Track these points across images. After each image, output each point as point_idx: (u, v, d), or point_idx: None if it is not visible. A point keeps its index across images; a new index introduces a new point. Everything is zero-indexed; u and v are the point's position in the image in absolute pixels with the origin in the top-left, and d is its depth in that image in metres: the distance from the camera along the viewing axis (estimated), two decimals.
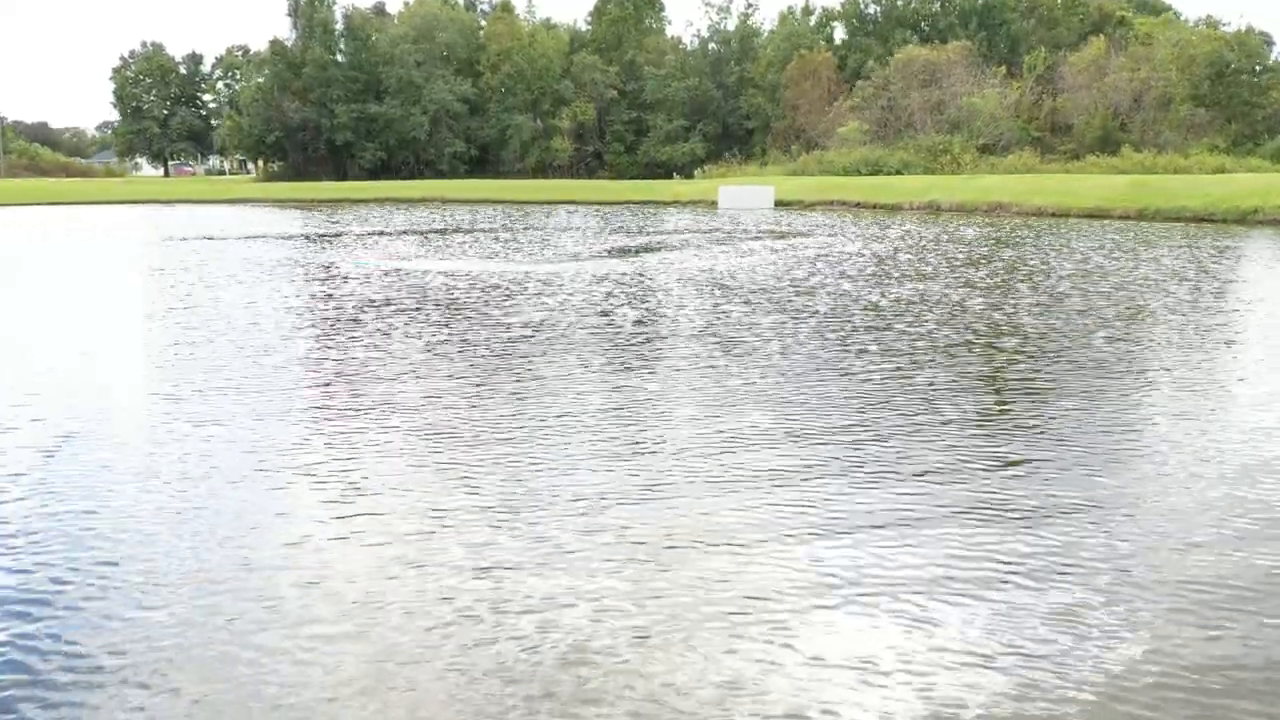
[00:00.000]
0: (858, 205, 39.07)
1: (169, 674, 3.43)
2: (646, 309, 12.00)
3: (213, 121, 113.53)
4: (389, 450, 6.06)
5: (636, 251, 20.71)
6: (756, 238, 24.49)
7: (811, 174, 49.69)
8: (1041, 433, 6.44)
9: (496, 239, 24.58)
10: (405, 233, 27.42)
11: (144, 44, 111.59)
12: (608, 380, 8.05)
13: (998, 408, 7.17)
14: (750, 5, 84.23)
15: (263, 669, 3.46)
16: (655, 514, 4.92)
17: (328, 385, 7.93)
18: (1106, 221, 29.63)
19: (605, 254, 20.16)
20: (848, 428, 6.52)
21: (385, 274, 15.95)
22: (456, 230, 28.38)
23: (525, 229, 28.60)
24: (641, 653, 3.57)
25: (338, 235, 26.54)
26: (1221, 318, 11.37)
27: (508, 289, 14.03)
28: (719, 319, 11.05)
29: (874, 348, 9.33)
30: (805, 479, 5.45)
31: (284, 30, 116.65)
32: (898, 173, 46.91)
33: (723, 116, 76.84)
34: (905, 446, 6.07)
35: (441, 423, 6.68)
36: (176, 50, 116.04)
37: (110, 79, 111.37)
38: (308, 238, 25.79)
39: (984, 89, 54.35)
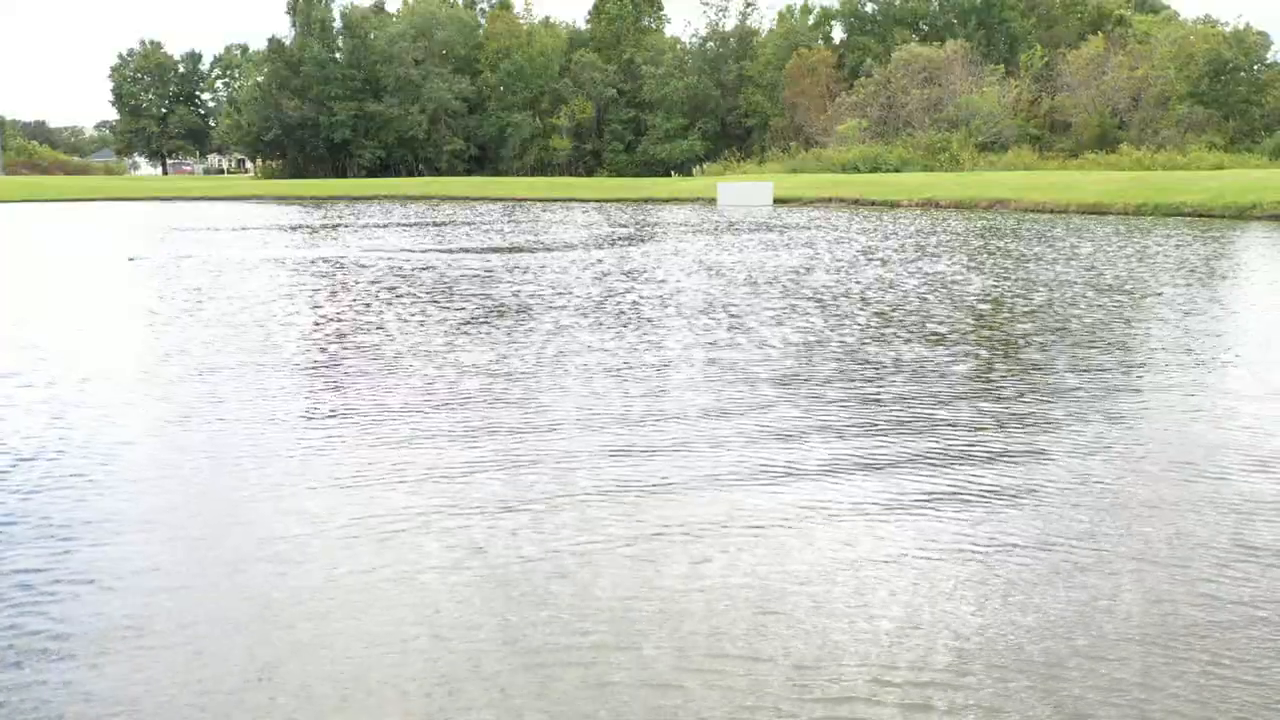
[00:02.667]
0: (855, 202, 39.07)
1: None
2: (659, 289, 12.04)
3: (211, 120, 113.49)
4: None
5: (634, 241, 20.74)
6: (755, 230, 24.53)
7: (810, 171, 49.72)
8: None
9: (505, 231, 24.59)
10: (413, 224, 27.44)
11: (143, 42, 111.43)
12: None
13: None
14: (749, 4, 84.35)
15: None
16: None
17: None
18: (1107, 217, 29.66)
19: (621, 242, 20.18)
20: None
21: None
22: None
23: (537, 223, 28.61)
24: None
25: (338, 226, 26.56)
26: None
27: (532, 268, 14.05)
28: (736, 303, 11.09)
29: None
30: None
31: (283, 28, 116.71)
32: (896, 170, 46.94)
33: (721, 115, 76.88)
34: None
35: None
36: (175, 49, 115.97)
37: (109, 77, 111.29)
38: (312, 230, 25.81)
39: (983, 87, 54.41)
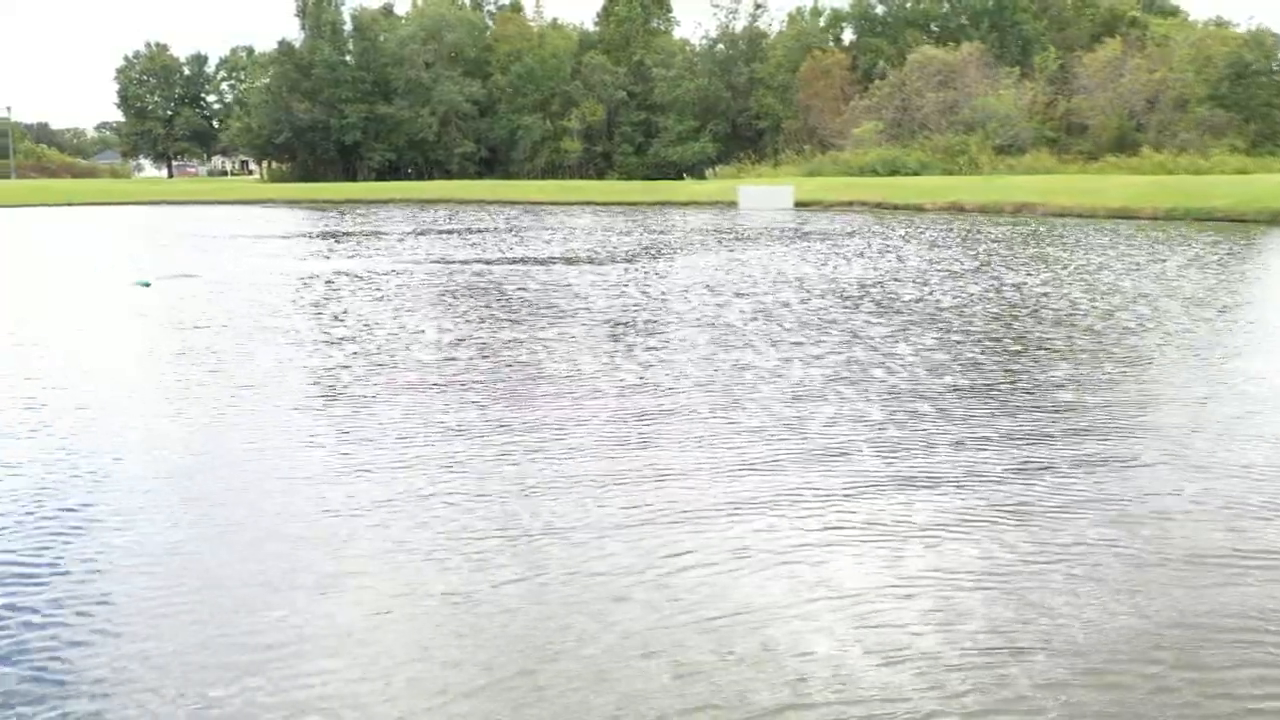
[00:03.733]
0: (878, 205, 38.96)
1: None
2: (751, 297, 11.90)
3: (215, 122, 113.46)
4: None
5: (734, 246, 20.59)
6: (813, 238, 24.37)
7: (828, 174, 49.62)
8: None
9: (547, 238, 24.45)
10: (448, 232, 27.29)
11: (148, 44, 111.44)
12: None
13: None
14: (758, 6, 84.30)
15: None
16: None
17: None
18: (1137, 221, 29.55)
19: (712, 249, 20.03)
20: None
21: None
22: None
23: (573, 230, 28.46)
24: None
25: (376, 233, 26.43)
26: None
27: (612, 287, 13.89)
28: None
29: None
30: None
31: (290, 30, 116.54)
32: (915, 173, 46.85)
33: (732, 117, 76.85)
34: None
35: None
36: (181, 50, 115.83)
37: (114, 79, 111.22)
38: (336, 237, 25.66)
39: (998, 90, 54.35)
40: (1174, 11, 69.43)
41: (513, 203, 46.91)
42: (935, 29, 73.01)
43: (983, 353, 9.17)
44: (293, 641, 3.64)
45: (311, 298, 13.44)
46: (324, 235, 27.01)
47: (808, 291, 13.57)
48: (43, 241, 26.59)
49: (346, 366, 8.61)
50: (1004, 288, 13.85)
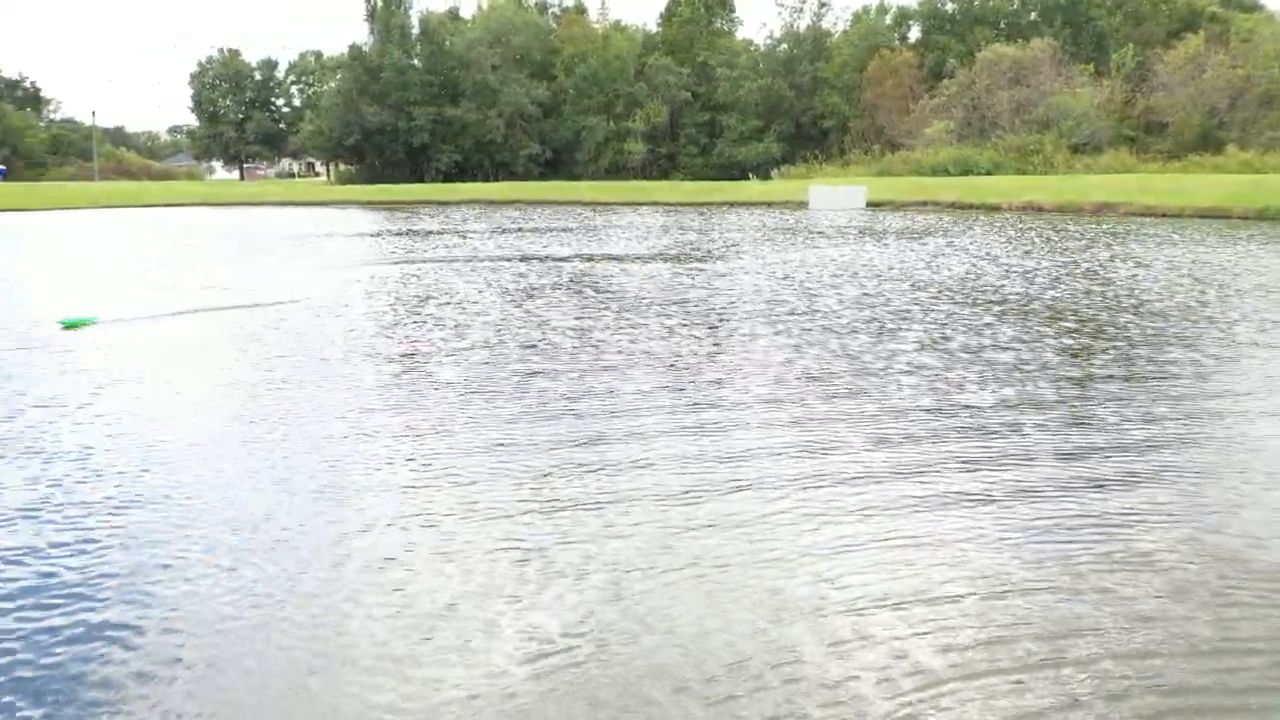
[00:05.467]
0: (953, 205, 38.45)
1: None
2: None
3: (283, 126, 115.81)
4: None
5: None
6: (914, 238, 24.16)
7: (897, 174, 49.11)
8: None
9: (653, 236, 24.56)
10: (540, 230, 27.56)
11: (221, 50, 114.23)
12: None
13: None
14: (823, 5, 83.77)
15: None
16: None
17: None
18: (1230, 221, 28.78)
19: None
20: None
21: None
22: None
23: (649, 229, 28.55)
24: None
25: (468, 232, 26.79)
26: None
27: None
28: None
29: None
30: None
31: (360, 35, 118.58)
32: (988, 173, 46.15)
33: (796, 116, 76.45)
34: None
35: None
36: (252, 56, 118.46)
37: (188, 84, 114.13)
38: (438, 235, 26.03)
39: (1073, 87, 53.29)
40: (1255, 7, 67.50)
41: (581, 203, 47.14)
42: (1005, 26, 71.85)
43: (1105, 343, 9.06)
44: None
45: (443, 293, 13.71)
46: (416, 233, 27.43)
47: (922, 290, 13.49)
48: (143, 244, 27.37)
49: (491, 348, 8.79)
50: (1116, 286, 13.63)
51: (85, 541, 4.65)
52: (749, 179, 63.18)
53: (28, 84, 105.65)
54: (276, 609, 3.95)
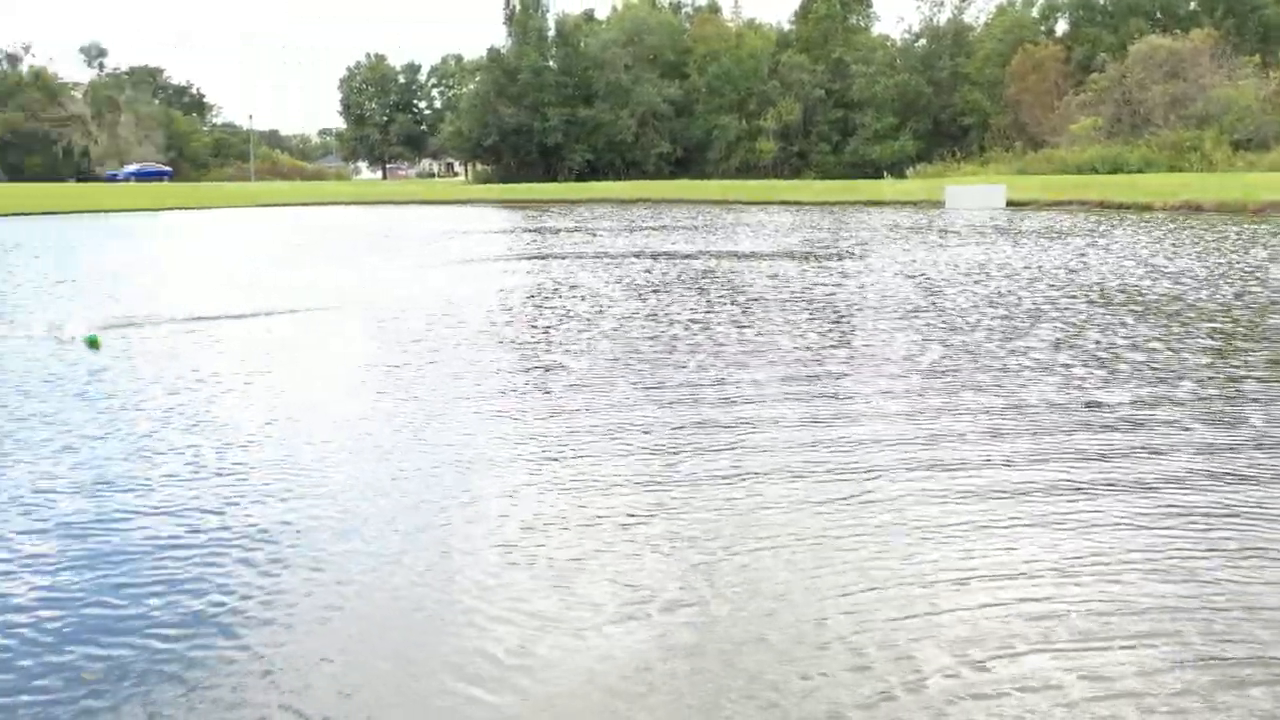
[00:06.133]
0: (1100, 205, 36.73)
1: None
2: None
3: (424, 128, 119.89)
4: None
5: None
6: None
7: (1039, 172, 47.25)
8: None
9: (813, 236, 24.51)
10: (668, 228, 27.81)
11: (368, 55, 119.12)
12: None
13: None
14: None
15: None
16: None
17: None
18: None
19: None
20: None
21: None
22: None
23: (795, 227, 28.42)
24: None
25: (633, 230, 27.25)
26: None
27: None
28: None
29: None
30: None
31: (498, 39, 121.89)
32: (1139, 171, 43.90)
33: (934, 113, 74.49)
34: None
35: None
36: (397, 61, 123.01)
37: (337, 88, 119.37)
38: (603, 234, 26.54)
39: (1236, 80, 50.15)
40: None
41: (710, 201, 47.11)
42: (1161, 16, 68.18)
43: None
44: None
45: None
46: (546, 230, 28.05)
47: (1057, 287, 13.01)
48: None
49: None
50: None
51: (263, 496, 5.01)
52: (883, 178, 61.92)
53: (194, 90, 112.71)
54: (416, 556, 4.18)
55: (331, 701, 3.20)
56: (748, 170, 76.06)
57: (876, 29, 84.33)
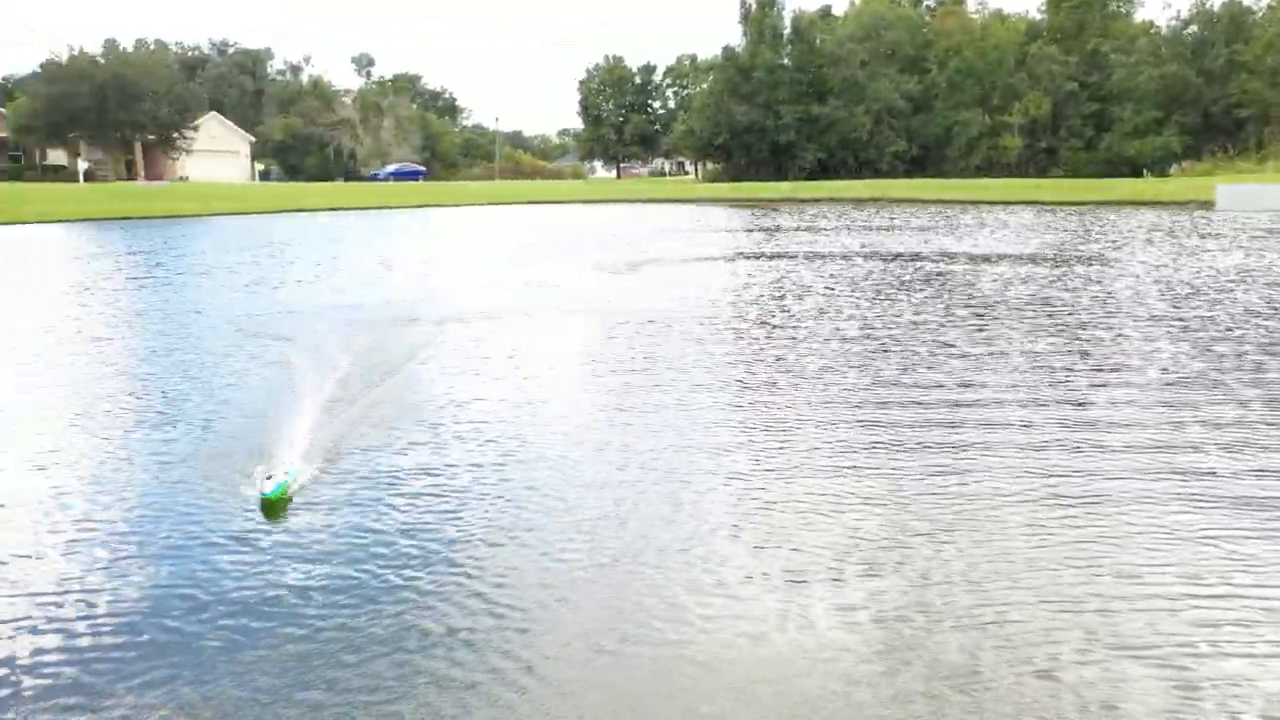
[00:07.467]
0: None
1: None
2: None
3: (657, 127, 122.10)
4: None
5: None
6: None
7: None
8: None
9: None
10: (900, 228, 27.17)
11: (606, 58, 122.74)
12: None
13: None
14: None
15: None
16: None
17: None
18: None
19: None
20: None
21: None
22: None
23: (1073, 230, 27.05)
24: None
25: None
26: None
27: None
28: None
29: None
30: None
31: (733, 38, 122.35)
32: None
33: (1204, 106, 68.02)
34: None
35: None
36: (633, 62, 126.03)
37: (576, 90, 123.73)
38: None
39: None
40: None
41: (946, 201, 45.26)
42: None
43: None
44: None
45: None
46: (772, 230, 28.01)
47: None
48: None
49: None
50: None
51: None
52: (1142, 176, 57.28)
53: (446, 95, 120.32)
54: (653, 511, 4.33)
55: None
56: (989, 168, 72.47)
57: (1138, 16, 78.02)
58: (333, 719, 3.14)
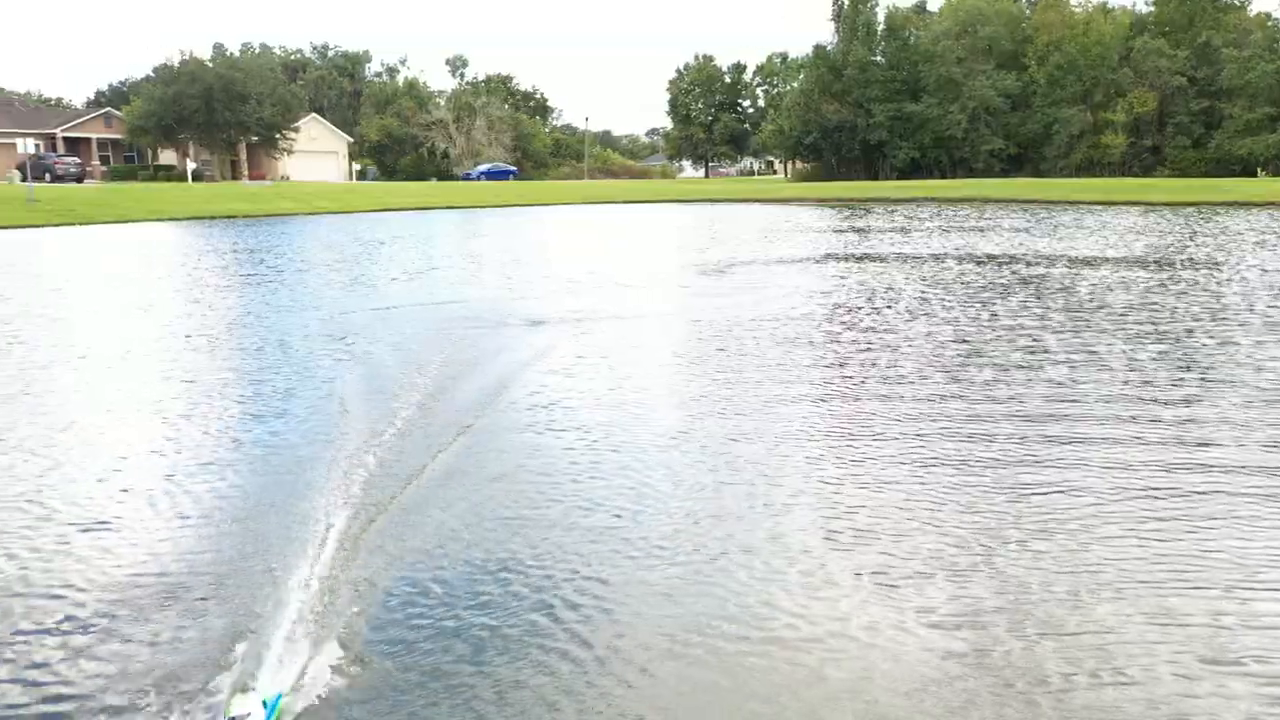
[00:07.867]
0: None
1: None
2: None
3: (747, 126, 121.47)
4: None
5: None
6: None
7: None
8: None
9: None
10: (995, 228, 26.66)
11: (697, 57, 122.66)
12: None
13: None
14: None
15: None
16: None
17: None
18: None
19: None
20: None
21: None
22: None
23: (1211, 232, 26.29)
24: None
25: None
26: None
27: None
28: None
29: None
30: None
31: (825, 35, 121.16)
32: None
33: None
34: None
35: None
36: (724, 61, 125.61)
37: (666, 90, 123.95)
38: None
39: None
40: None
41: (1044, 201, 44.04)
42: None
43: None
44: None
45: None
46: (864, 230, 27.74)
47: None
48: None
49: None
50: None
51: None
52: (1256, 175, 54.79)
53: (538, 95, 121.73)
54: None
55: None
56: (1091, 167, 70.22)
57: (1254, 7, 74.71)
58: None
